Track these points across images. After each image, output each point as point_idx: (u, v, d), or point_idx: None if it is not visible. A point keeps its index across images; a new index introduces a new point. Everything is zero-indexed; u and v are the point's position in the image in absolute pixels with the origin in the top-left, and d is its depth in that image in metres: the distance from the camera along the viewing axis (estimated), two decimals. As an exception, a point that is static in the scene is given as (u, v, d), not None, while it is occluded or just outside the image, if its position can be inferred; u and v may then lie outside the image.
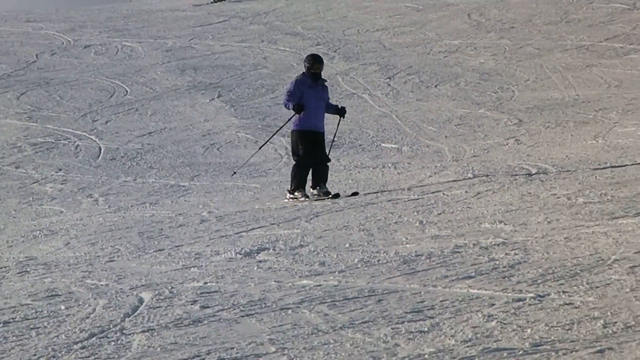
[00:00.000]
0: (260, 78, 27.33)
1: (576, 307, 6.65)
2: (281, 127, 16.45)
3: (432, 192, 13.84)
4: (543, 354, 5.80)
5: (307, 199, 14.21)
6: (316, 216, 12.58)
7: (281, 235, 11.24)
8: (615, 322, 6.17)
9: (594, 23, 30.08)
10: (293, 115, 14.45)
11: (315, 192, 14.32)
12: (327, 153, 14.64)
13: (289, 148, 20.09)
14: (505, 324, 6.41)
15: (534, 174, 14.36)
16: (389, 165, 17.59)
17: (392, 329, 6.67)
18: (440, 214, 11.62)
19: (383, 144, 20.07)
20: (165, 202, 15.66)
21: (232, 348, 6.53)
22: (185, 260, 10.19)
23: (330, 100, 15.06)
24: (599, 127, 18.30)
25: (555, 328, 6.23)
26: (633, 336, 5.91)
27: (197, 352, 6.50)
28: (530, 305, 6.83)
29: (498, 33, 30.41)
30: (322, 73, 14.68)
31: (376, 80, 26.72)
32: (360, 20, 34.14)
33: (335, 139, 16.06)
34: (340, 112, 14.83)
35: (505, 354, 5.83)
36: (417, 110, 22.94)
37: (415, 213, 12.01)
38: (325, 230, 11.36)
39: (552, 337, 6.08)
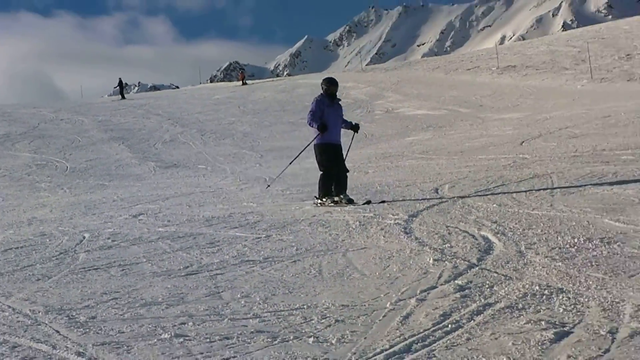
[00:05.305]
0: (144, 134, 29.92)
1: (284, 241, 7.69)
2: (310, 142, 11.88)
3: (220, 189, 14.62)
4: (270, 262, 6.68)
5: (334, 204, 10.92)
6: (167, 199, 13.50)
7: (149, 208, 12.28)
8: (301, 248, 7.25)
9: None
10: (318, 134, 11.24)
11: (337, 199, 11.07)
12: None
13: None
14: (251, 249, 7.46)
15: (267, 180, 15.14)
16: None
17: (200, 251, 7.36)
18: (223, 199, 12.64)
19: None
20: (97, 192, 16.96)
21: (125, 259, 7.48)
22: (106, 219, 11.31)
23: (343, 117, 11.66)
24: None
25: (275, 250, 7.26)
26: (309, 254, 6.94)
27: (110, 262, 7.36)
28: (263, 240, 7.89)
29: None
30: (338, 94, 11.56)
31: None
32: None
33: (349, 151, 12.71)
34: (355, 127, 11.63)
35: (251, 263, 6.69)
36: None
37: (214, 198, 12.95)
38: (175, 205, 12.13)
39: (274, 255, 7.01)
